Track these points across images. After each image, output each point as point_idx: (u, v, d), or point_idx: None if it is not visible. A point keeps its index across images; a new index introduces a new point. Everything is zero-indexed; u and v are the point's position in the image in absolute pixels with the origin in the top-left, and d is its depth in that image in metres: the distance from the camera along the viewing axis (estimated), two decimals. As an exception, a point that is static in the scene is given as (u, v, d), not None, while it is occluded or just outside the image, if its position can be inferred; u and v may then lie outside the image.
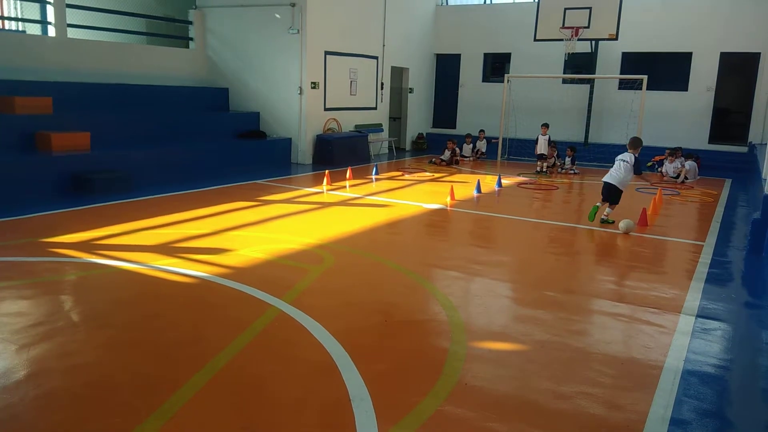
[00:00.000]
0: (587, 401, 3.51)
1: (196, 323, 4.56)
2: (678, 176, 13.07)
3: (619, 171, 8.39)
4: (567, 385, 3.70)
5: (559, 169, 14.09)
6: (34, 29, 12.60)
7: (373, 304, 5.06)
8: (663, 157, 13.82)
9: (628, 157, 8.45)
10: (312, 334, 4.30)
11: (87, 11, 12.35)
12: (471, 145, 16.11)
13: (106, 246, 6.48)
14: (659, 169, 13.82)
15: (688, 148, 14.47)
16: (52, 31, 11.58)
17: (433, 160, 15.20)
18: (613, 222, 8.30)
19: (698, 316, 4.97)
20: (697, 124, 15.51)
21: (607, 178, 8.48)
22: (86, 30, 12.45)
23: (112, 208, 8.50)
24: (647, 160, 14.32)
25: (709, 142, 15.56)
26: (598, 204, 8.52)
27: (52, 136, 9.75)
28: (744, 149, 15.16)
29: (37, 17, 11.97)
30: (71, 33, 11.84)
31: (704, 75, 15.48)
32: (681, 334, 4.56)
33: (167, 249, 6.44)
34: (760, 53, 14.87)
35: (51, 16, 11.54)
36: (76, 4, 11.95)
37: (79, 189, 9.36)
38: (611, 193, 8.39)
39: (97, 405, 3.33)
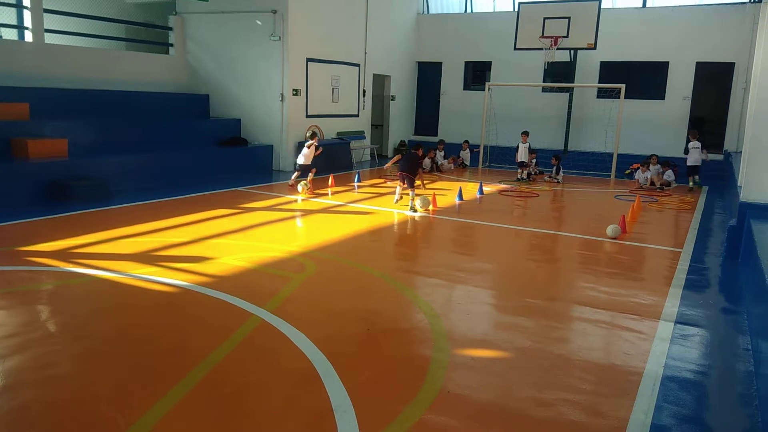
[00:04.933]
0: (569, 408, 3.53)
1: (176, 333, 4.51)
2: (663, 185, 13.23)
3: (693, 154, 13.25)
4: (549, 392, 3.72)
5: (546, 177, 14.15)
6: (10, 34, 12.40)
7: (356, 312, 5.04)
8: (639, 165, 14.00)
9: (698, 144, 13.25)
10: (294, 343, 4.27)
11: (65, 16, 12.21)
12: (442, 152, 15.96)
13: (84, 254, 6.39)
14: (637, 177, 14.00)
15: (665, 156, 14.67)
16: (29, 36, 11.41)
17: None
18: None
19: (677, 322, 5.04)
20: (674, 133, 15.77)
21: (690, 163, 13.33)
22: (64, 35, 12.30)
23: (90, 215, 8.38)
24: (626, 167, 14.55)
25: (686, 151, 15.78)
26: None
27: (28, 142, 9.60)
28: (720, 157, 15.43)
29: (14, 22, 11.78)
30: (49, 38, 11.68)
31: (681, 84, 15.77)
32: (660, 341, 4.61)
33: (146, 257, 6.37)
34: (734, 63, 15.19)
35: (28, 21, 11.37)
36: (54, 9, 11.81)
37: (56, 196, 9.22)
38: (694, 171, 13.31)
39: (74, 418, 3.26)
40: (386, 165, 12.06)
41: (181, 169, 11.63)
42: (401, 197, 10.10)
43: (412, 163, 9.91)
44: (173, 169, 11.46)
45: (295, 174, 11.47)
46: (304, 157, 11.24)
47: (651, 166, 13.64)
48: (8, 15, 12.24)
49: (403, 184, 9.92)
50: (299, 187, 10.96)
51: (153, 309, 4.96)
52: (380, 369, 3.99)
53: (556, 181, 13.97)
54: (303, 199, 10.40)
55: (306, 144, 11.35)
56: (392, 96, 18.18)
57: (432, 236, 8.45)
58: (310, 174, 11.26)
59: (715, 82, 15.60)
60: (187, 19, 14.54)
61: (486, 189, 12.13)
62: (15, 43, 11.52)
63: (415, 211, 9.56)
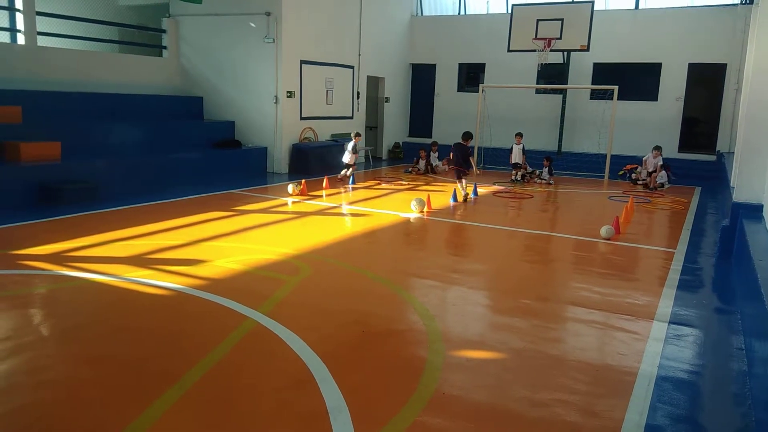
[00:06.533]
0: (563, 409, 3.53)
1: (170, 336, 4.49)
2: (656, 186, 13.29)
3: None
4: (543, 392, 3.72)
5: (537, 179, 14.13)
6: (2, 37, 12.34)
7: (351, 314, 5.04)
8: (634, 165, 14.07)
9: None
10: (289, 346, 4.26)
11: (57, 19, 12.16)
12: (436, 154, 15.50)
13: (77, 258, 6.36)
14: (630, 176, 14.07)
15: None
16: (21, 39, 11.37)
17: (410, 169, 15.25)
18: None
19: (671, 322, 5.05)
20: (667, 133, 15.83)
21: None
22: (57, 38, 12.25)
23: (83, 219, 8.35)
24: (619, 168, 14.60)
25: (679, 151, 15.89)
26: None
27: (20, 145, 9.55)
28: (712, 157, 15.52)
29: (6, 25, 11.73)
30: (41, 41, 11.64)
31: (673, 85, 15.84)
32: (654, 341, 4.63)
33: (140, 260, 6.34)
34: (726, 64, 15.27)
35: (20, 23, 11.33)
36: (47, 11, 11.77)
37: (49, 200, 9.17)
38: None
39: (67, 422, 3.24)
40: (443, 162, 13.70)
41: (175, 171, 11.59)
42: (466, 193, 11.03)
43: (464, 156, 10.96)
44: (167, 171, 11.42)
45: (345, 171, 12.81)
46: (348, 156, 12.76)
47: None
48: (0, 18, 12.20)
49: (460, 181, 11.03)
50: (289, 188, 10.99)
51: (146, 312, 4.94)
52: (375, 371, 3.98)
53: (543, 181, 13.93)
54: (294, 202, 10.37)
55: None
56: (386, 98, 18.19)
57: (426, 237, 8.45)
58: (348, 170, 12.83)
59: (708, 83, 15.68)
60: (181, 21, 14.51)
61: (480, 190, 12.15)
62: (7, 45, 11.46)
63: (467, 198, 10.89)
